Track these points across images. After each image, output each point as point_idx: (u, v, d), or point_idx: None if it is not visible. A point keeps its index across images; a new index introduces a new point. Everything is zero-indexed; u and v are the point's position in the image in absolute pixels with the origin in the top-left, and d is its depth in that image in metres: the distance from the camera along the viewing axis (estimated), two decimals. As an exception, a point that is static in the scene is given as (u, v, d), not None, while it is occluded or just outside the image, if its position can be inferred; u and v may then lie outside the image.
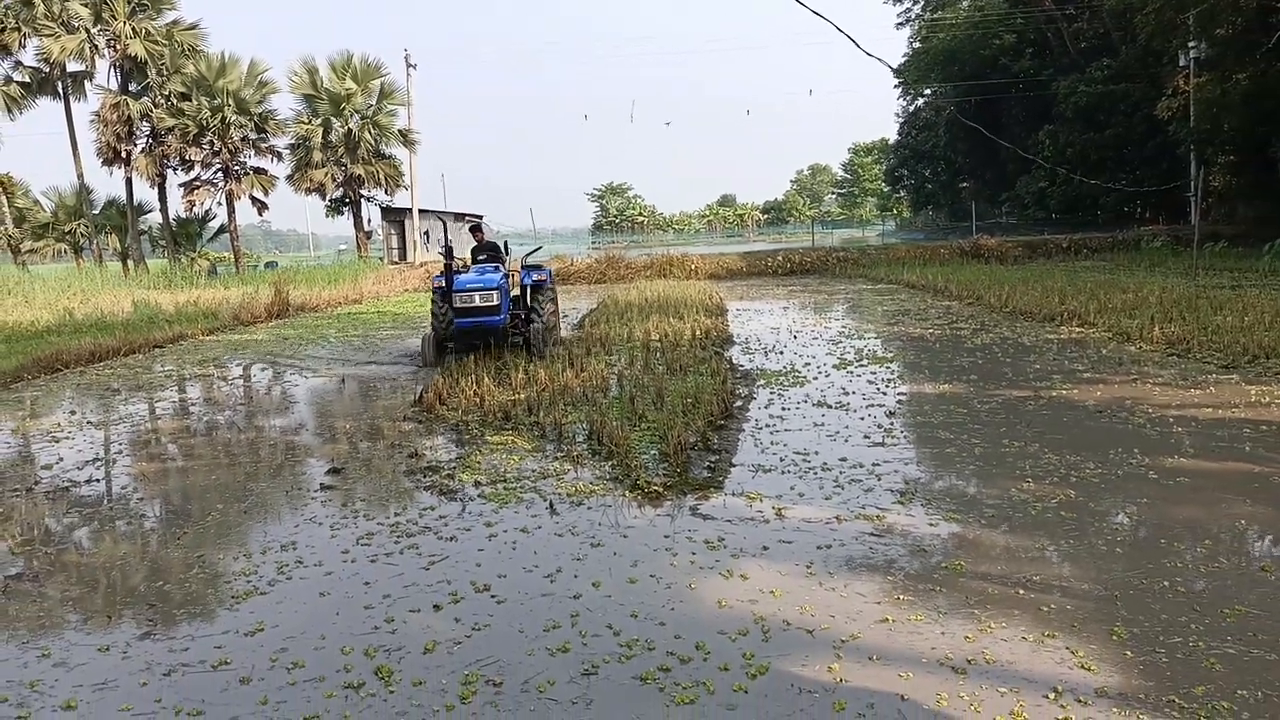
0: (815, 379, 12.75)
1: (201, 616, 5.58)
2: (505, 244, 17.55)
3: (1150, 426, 9.23)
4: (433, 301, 16.10)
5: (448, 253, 15.49)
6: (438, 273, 16.19)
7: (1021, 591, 5.37)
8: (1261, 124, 33.41)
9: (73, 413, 12.72)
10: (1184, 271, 26.01)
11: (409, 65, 48.09)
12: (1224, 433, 8.86)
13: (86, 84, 42.50)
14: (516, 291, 16.62)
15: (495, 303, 14.89)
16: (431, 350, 15.63)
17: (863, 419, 10.16)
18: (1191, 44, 37.61)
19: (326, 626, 5.30)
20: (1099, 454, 8.22)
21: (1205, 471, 7.71)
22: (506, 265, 16.82)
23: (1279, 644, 4.62)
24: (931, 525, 6.61)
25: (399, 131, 46.49)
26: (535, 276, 16.64)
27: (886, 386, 12.05)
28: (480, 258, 16.87)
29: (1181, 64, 39.66)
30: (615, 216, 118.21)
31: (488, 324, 15.03)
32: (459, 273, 15.79)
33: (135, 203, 44.81)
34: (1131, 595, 5.26)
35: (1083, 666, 4.45)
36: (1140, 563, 5.75)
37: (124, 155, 41.65)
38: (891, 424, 9.90)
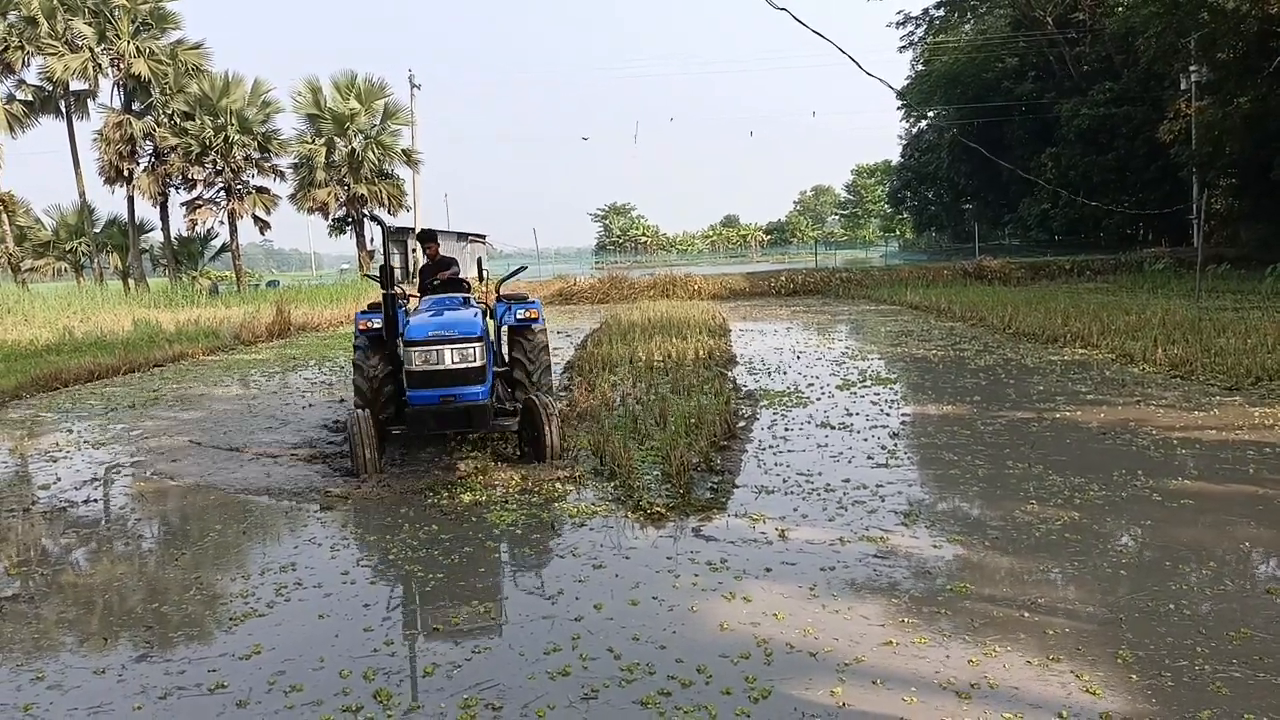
0: (818, 400, 12.71)
1: (199, 639, 5.54)
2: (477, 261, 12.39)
3: (1154, 448, 9.19)
4: (358, 358, 10.27)
5: (385, 276, 9.88)
6: (365, 307, 10.82)
7: (1026, 614, 5.32)
8: (1263, 147, 33.44)
9: (70, 432, 12.69)
10: (1187, 294, 25.97)
11: (413, 85, 48.38)
12: (1228, 455, 8.82)
13: (89, 103, 42.87)
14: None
15: (478, 362, 9.16)
16: (368, 442, 9.19)
17: (866, 440, 10.12)
18: (1193, 68, 37.73)
19: (325, 649, 5.26)
20: (1103, 476, 8.18)
21: (1209, 494, 7.66)
22: (474, 295, 11.41)
23: (1287, 669, 4.57)
24: (935, 547, 6.57)
25: (402, 151, 46.72)
26: (520, 313, 10.82)
27: (890, 407, 12.01)
28: (433, 282, 11.18)
29: (1183, 87, 39.80)
30: (619, 236, 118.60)
31: (466, 399, 9.12)
32: (407, 309, 10.57)
33: (137, 221, 45.04)
34: (1136, 618, 5.22)
35: (1088, 691, 4.41)
36: (1145, 585, 5.70)
37: (126, 174, 41.84)
38: (895, 445, 9.86)
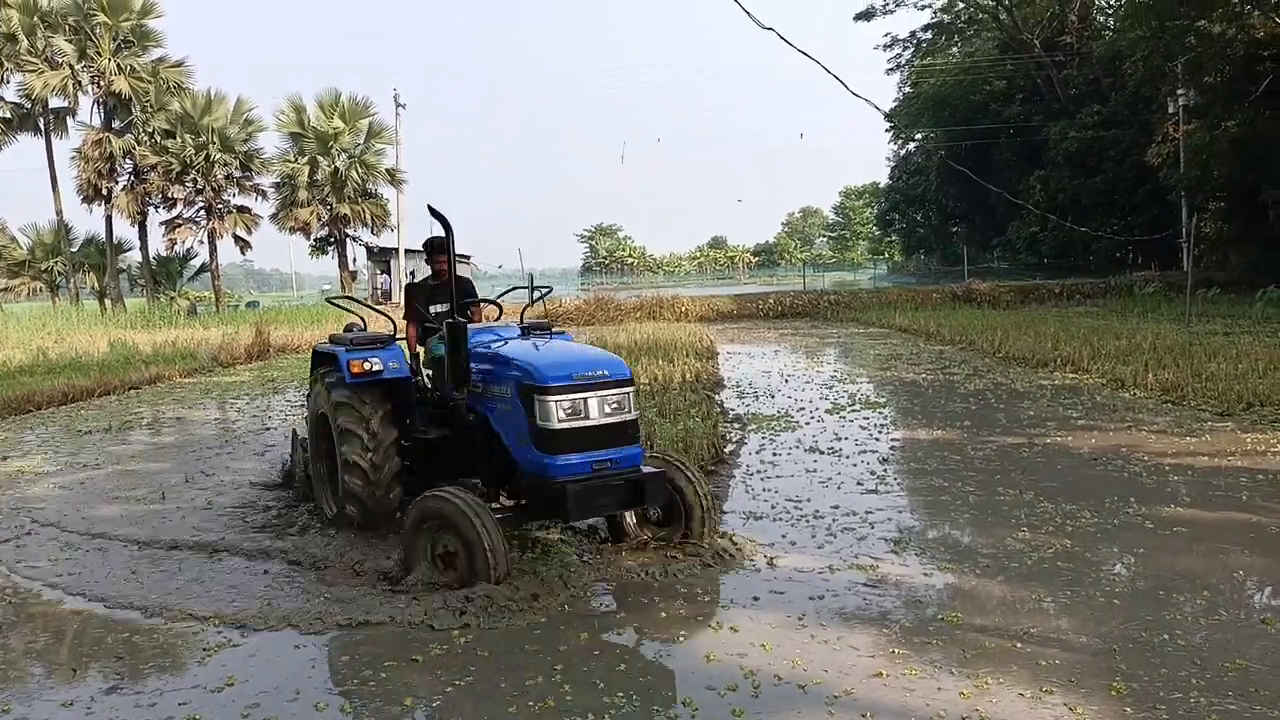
0: (807, 424, 12.62)
1: (170, 670, 5.39)
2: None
3: (1146, 475, 9.12)
4: (354, 434, 7.52)
5: (418, 302, 8.55)
6: (348, 341, 8.13)
7: (1018, 645, 5.22)
8: (1250, 171, 33.62)
9: (42, 456, 12.49)
10: (1177, 318, 26.02)
11: (397, 105, 48.40)
12: (1220, 481, 8.75)
13: (69, 120, 42.55)
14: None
15: (633, 414, 6.80)
16: (494, 530, 6.18)
17: (855, 465, 10.03)
18: (1180, 91, 38.00)
19: (301, 680, 5.12)
20: (1095, 503, 8.09)
21: (1202, 521, 7.59)
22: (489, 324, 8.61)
23: (1285, 702, 4.47)
24: (926, 575, 6.47)
25: (386, 171, 46.60)
26: None
27: (879, 432, 11.92)
28: (435, 307, 8.58)
29: (1171, 111, 39.99)
30: (605, 258, 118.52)
31: (626, 465, 6.64)
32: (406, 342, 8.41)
33: (115, 240, 44.76)
34: (1130, 649, 5.12)
35: (1083, 726, 4.30)
36: (1139, 615, 5.61)
37: (105, 192, 41.42)
38: (884, 471, 9.76)
